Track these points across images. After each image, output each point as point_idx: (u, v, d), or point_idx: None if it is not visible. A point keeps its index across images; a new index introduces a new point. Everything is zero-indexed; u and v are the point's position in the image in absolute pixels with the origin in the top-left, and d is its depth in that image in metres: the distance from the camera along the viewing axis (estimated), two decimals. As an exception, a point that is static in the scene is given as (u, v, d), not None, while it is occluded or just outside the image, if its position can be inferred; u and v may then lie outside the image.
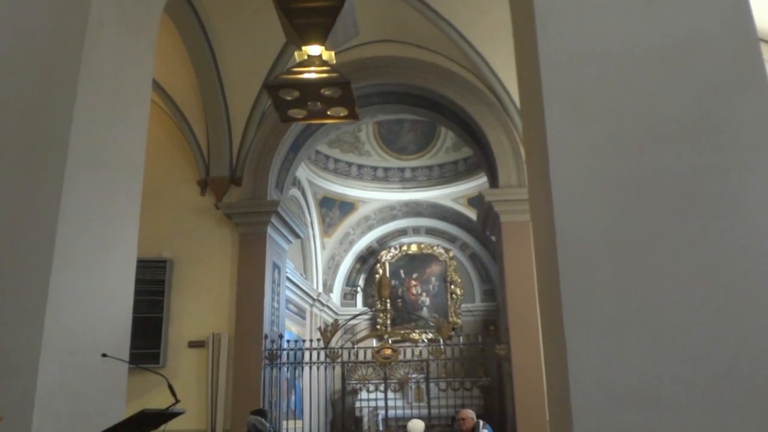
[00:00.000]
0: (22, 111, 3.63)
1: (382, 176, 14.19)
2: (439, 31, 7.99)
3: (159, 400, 5.92)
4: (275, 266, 9.08)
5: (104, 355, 3.36)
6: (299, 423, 10.29)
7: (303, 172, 12.50)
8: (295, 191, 12.11)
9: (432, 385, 9.05)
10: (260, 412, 6.44)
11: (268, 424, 6.08)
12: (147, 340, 7.87)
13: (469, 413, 7.19)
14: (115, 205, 4.02)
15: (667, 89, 3.06)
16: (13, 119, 3.63)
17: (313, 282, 13.52)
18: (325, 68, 4.59)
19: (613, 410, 2.68)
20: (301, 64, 4.64)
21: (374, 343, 12.08)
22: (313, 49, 4.63)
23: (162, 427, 3.34)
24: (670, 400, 2.67)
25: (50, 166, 3.52)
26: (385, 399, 8.70)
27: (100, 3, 3.87)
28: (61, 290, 3.41)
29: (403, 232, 15.54)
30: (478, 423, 7.03)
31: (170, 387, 3.18)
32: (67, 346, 3.42)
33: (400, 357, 8.88)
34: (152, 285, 8.18)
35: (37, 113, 3.63)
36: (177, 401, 3.11)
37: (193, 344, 8.28)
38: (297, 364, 8.99)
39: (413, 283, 15.19)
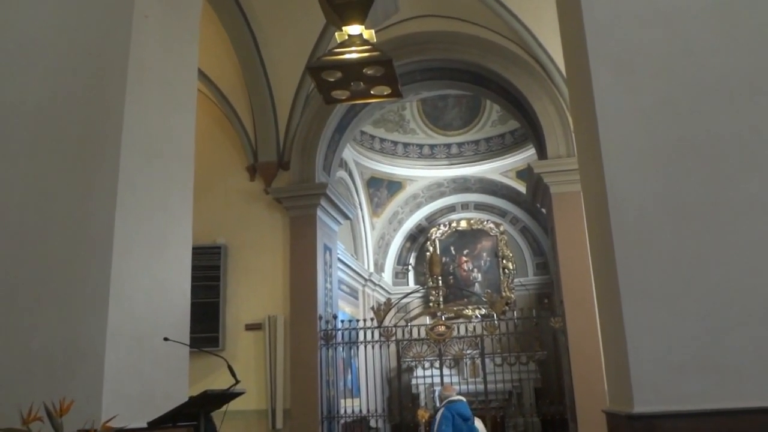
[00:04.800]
0: (77, 106, 3.75)
1: (429, 153, 14.10)
2: (479, 2, 7.84)
3: (219, 382, 6.08)
4: (326, 248, 9.18)
5: (166, 339, 3.47)
6: (356, 401, 10.45)
7: (349, 153, 12.52)
8: (342, 173, 12.17)
9: (487, 360, 9.02)
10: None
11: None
12: (205, 324, 8.08)
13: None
14: (169, 194, 4.13)
15: (722, 47, 2.93)
16: (68, 115, 3.76)
17: (364, 262, 13.62)
18: (366, 47, 4.57)
19: (674, 379, 2.63)
20: (342, 44, 4.63)
21: (428, 320, 12.11)
22: (354, 29, 4.62)
23: (224, 407, 3.44)
24: (733, 367, 2.60)
25: (105, 158, 3.63)
26: (441, 375, 8.74)
27: (143, -4, 3.95)
28: (123, 279, 3.54)
29: (451, 208, 15.45)
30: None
31: (230, 368, 3.27)
32: (132, 331, 3.55)
33: (454, 333, 8.88)
34: (208, 271, 8.39)
35: (90, 107, 3.74)
36: (237, 382, 3.20)
37: (249, 327, 8.47)
38: (352, 343, 9.09)
39: (464, 259, 15.11)
